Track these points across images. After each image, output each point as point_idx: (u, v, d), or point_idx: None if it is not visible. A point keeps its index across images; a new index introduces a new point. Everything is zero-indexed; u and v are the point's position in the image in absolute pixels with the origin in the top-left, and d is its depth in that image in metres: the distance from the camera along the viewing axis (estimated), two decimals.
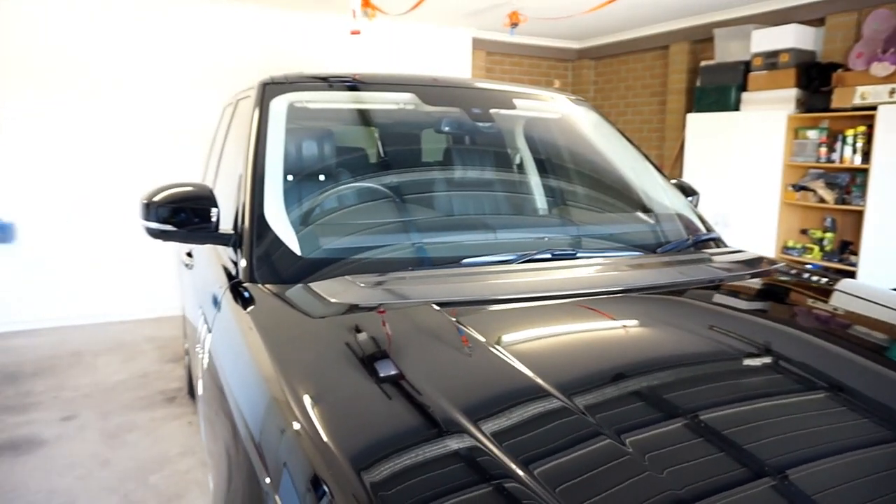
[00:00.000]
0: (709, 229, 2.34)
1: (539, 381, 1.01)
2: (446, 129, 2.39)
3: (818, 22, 4.85)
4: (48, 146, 5.10)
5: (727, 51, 5.33)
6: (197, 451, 3.17)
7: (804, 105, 4.68)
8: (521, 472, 0.80)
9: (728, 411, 1.00)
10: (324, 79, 2.26)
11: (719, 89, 5.28)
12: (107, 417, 3.56)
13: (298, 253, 1.65)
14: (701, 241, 2.16)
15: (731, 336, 1.31)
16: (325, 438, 0.87)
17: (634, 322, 1.38)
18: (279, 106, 2.05)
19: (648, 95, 6.60)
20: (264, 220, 1.71)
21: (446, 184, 2.23)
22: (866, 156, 4.19)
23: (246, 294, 1.51)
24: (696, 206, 2.67)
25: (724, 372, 1.16)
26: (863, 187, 4.21)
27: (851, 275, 4.30)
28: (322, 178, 2.11)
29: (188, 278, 2.73)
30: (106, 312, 5.39)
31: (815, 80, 4.63)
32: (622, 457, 0.84)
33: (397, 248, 1.73)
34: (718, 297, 1.61)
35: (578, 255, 1.82)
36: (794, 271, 1.88)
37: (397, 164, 2.26)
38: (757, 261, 1.96)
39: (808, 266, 4.24)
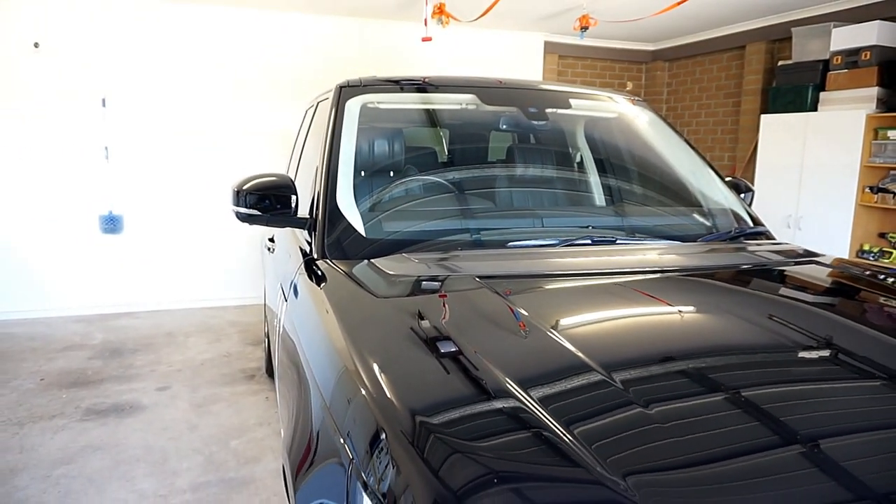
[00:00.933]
0: (756, 223, 2.38)
1: (572, 349, 1.15)
2: (504, 127, 2.57)
3: None
4: (152, 149, 5.65)
5: (805, 50, 5.19)
6: (272, 422, 3.48)
7: (885, 104, 4.51)
8: (556, 427, 0.90)
9: (743, 372, 1.13)
10: (394, 82, 2.49)
11: (796, 89, 5.16)
12: (195, 390, 3.94)
13: (364, 234, 1.87)
14: (745, 233, 2.21)
15: (753, 313, 1.41)
16: (387, 395, 1.00)
17: (662, 297, 1.51)
18: (353, 106, 2.30)
19: (723, 97, 6.49)
20: (336, 205, 1.94)
21: (501, 177, 2.40)
22: None
23: (318, 269, 1.74)
24: (749, 203, 2.70)
25: (743, 345, 1.27)
26: None
27: None
28: (388, 170, 2.33)
29: (269, 261, 3.04)
30: (196, 298, 5.89)
31: None
32: (649, 423, 0.94)
33: (449, 233, 1.92)
34: (747, 281, 1.71)
35: (618, 241, 1.95)
36: (837, 265, 1.92)
37: (457, 160, 2.45)
38: (796, 253, 2.01)
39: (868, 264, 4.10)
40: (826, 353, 1.25)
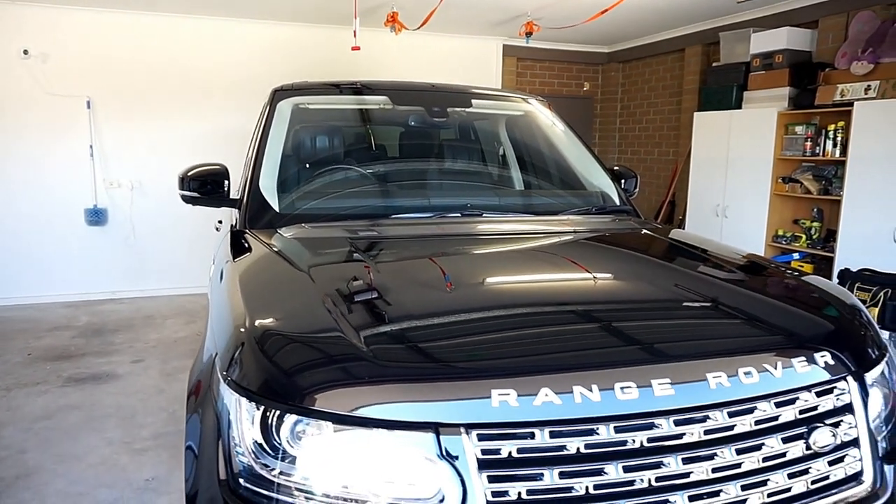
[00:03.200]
0: (623, 202, 2.82)
1: (381, 279, 1.64)
2: (412, 123, 3.03)
3: (814, 24, 5.11)
4: (133, 147, 6.12)
5: (732, 53, 5.65)
6: None
7: (794, 102, 4.96)
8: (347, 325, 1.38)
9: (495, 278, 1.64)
10: (322, 85, 2.97)
11: (723, 89, 5.61)
12: (167, 362, 4.40)
13: (278, 210, 2.34)
14: (606, 210, 2.66)
15: (552, 254, 1.96)
16: (247, 313, 1.46)
17: (478, 248, 2.02)
18: (284, 106, 2.76)
19: (668, 96, 6.94)
20: (258, 186, 2.40)
21: (401, 165, 2.87)
22: (844, 149, 4.46)
23: (236, 236, 2.21)
24: (635, 186, 3.15)
25: (512, 268, 1.81)
26: (842, 179, 4.48)
27: (830, 261, 4.56)
28: (306, 160, 2.79)
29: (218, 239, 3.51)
30: (176, 286, 6.36)
31: (805, 79, 4.92)
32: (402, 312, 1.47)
33: (347, 208, 2.39)
34: (566, 235, 2.20)
35: (483, 215, 2.41)
36: (658, 230, 2.38)
37: (366, 152, 2.93)
38: (631, 224, 2.45)
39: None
40: (572, 273, 1.75)
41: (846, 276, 3.90)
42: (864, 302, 3.69)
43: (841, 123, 4.53)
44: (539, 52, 7.50)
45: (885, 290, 3.57)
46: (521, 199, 2.71)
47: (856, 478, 1.41)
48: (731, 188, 5.50)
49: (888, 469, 1.47)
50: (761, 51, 5.21)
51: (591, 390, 1.22)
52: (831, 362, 1.44)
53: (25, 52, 5.70)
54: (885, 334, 3.58)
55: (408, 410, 1.18)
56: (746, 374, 1.33)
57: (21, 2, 5.60)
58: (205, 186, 2.43)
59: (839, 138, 4.56)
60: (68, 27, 5.81)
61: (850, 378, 1.47)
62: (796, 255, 5.03)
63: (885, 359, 1.65)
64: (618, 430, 1.22)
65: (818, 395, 1.41)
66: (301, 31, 6.45)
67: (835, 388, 1.45)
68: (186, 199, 2.46)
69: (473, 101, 3.09)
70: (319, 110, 3.01)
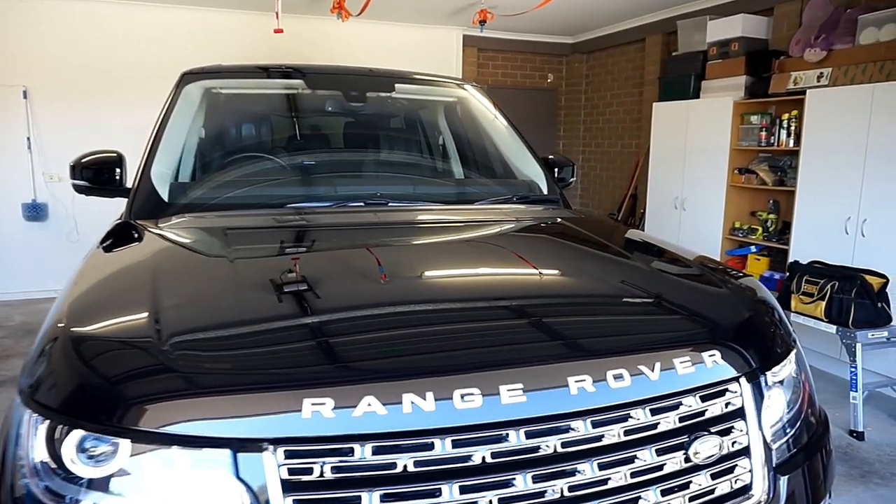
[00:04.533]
0: (552, 192, 2.65)
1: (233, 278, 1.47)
2: (330, 108, 2.84)
3: (770, 12, 5.00)
4: (73, 139, 5.86)
5: (690, 42, 5.52)
6: None
7: (750, 91, 4.84)
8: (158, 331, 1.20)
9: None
10: (235, 69, 2.78)
11: (681, 79, 5.49)
12: None
13: (166, 200, 2.15)
14: (530, 199, 2.50)
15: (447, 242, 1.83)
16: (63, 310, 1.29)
17: (366, 239, 1.86)
18: (191, 90, 2.57)
19: (630, 87, 6.82)
20: (149, 175, 2.20)
21: (309, 152, 2.68)
22: (798, 138, 4.34)
23: (115, 228, 2.01)
24: (572, 175, 2.99)
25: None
26: (797, 169, 4.36)
27: (785, 254, 4.45)
28: (207, 146, 2.60)
29: None
30: None
31: (762, 68, 4.80)
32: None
33: (238, 197, 2.20)
34: (468, 227, 2.04)
35: (389, 204, 2.23)
36: (576, 219, 2.22)
37: (274, 138, 2.75)
38: (547, 215, 2.28)
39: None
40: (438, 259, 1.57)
41: (795, 269, 3.78)
42: (810, 296, 3.58)
43: (795, 112, 4.42)
44: (500, 42, 7.34)
45: (831, 283, 3.45)
46: (435, 189, 2.53)
47: (744, 492, 1.26)
48: (689, 180, 5.38)
49: (783, 480, 1.32)
50: (718, 39, 5.09)
51: (424, 399, 1.06)
52: (721, 362, 1.29)
53: None
54: (831, 328, 3.46)
55: (205, 426, 1.01)
56: (617, 377, 1.17)
57: None
58: (100, 175, 2.24)
59: (793, 128, 4.44)
60: (1, 14, 5.54)
61: (743, 380, 1.32)
62: (753, 248, 4.92)
63: (791, 357, 1.51)
64: (456, 444, 1.06)
65: (704, 399, 1.26)
66: (250, 20, 6.22)
67: (726, 390, 1.30)
68: (79, 190, 2.27)
69: (397, 86, 2.90)
70: (230, 95, 2.81)
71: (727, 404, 1.28)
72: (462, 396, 1.07)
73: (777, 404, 1.42)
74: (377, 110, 2.89)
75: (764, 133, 4.67)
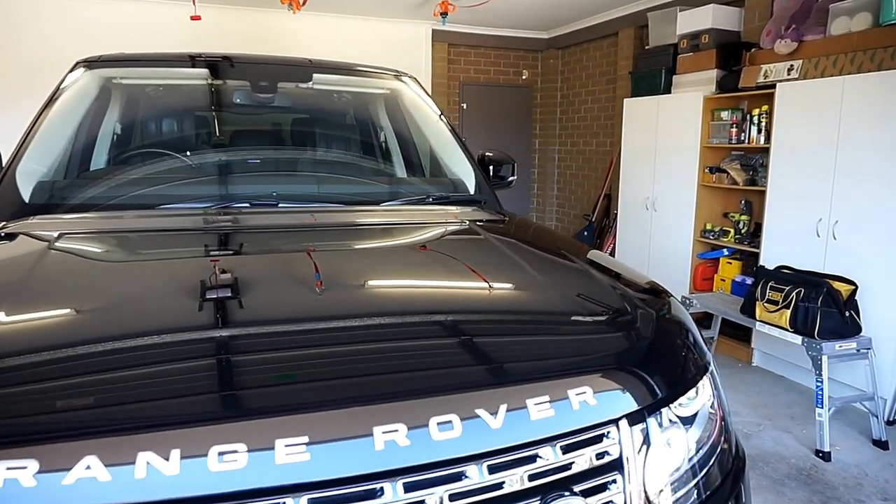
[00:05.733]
0: (481, 192, 2.40)
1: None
2: (238, 100, 2.58)
3: (741, 2, 4.75)
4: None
5: (660, 34, 5.28)
6: None
7: (721, 86, 4.60)
8: None
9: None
10: (137, 57, 2.52)
11: (651, 73, 5.24)
12: None
13: (26, 199, 1.89)
14: (449, 200, 2.24)
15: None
16: None
17: (223, 247, 1.58)
18: (83, 80, 2.31)
19: (605, 83, 6.57)
20: (14, 171, 1.95)
21: (199, 147, 2.43)
22: (769, 135, 4.10)
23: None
24: (512, 173, 2.74)
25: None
26: (767, 167, 4.11)
27: (757, 257, 4.21)
28: (89, 142, 2.34)
29: None
30: None
31: (733, 61, 4.55)
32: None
33: (103, 197, 1.95)
34: (358, 233, 1.78)
35: (280, 205, 1.98)
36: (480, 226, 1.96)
37: (168, 133, 2.49)
38: (456, 218, 2.02)
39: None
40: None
41: (761, 275, 3.53)
42: (775, 304, 3.33)
43: (765, 108, 4.17)
44: (472, 37, 7.09)
45: (797, 290, 3.21)
46: (339, 188, 2.27)
47: None
48: (660, 180, 5.13)
49: None
50: (688, 31, 4.84)
51: (167, 459, 0.80)
52: (592, 401, 1.04)
53: None
54: (797, 339, 3.21)
55: None
56: (442, 426, 0.92)
57: None
58: None
59: (763, 124, 4.19)
60: None
61: (624, 423, 1.06)
62: (725, 251, 4.67)
63: (703, 383, 1.26)
64: None
65: (567, 449, 1.01)
66: (233, 14, 5.95)
67: (602, 435, 1.04)
68: None
69: (316, 76, 2.65)
70: (124, 86, 2.55)
71: (600, 455, 1.03)
72: (220, 455, 0.82)
73: (678, 446, 1.16)
74: (288, 102, 2.63)
75: (735, 130, 4.42)
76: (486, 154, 2.75)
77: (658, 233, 5.18)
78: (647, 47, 5.52)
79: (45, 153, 2.09)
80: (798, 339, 3.21)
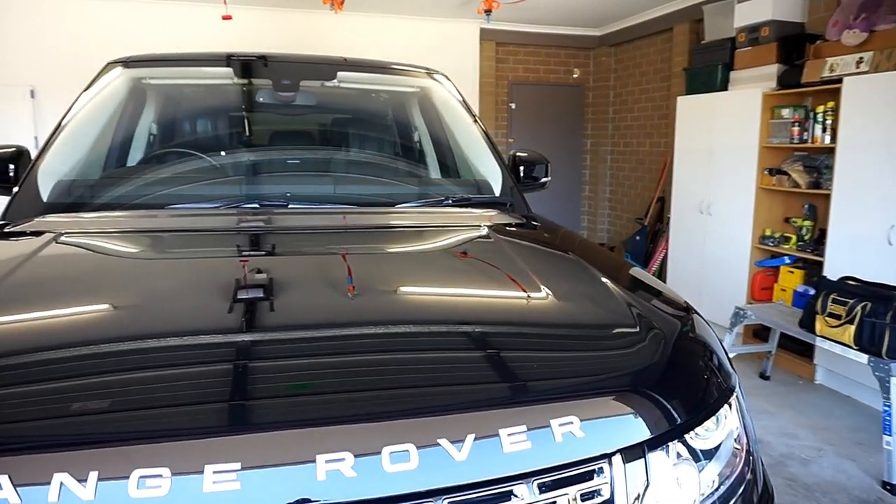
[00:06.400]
0: (507, 193, 2.28)
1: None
2: (261, 99, 2.55)
3: None
4: None
5: (717, 28, 4.99)
6: None
7: (782, 81, 4.28)
8: None
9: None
10: (168, 57, 2.54)
11: (707, 69, 4.96)
12: None
13: (44, 199, 1.90)
14: (471, 202, 2.13)
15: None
16: None
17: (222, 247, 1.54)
18: (111, 80, 2.34)
19: (659, 81, 6.29)
20: (35, 171, 1.97)
21: (217, 147, 2.40)
22: (834, 134, 3.77)
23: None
24: (545, 174, 2.60)
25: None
26: (833, 169, 3.79)
27: (821, 266, 3.88)
28: (115, 142, 2.35)
29: None
30: None
31: (795, 54, 4.23)
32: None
33: (116, 198, 1.94)
34: (360, 236, 1.70)
35: (290, 206, 1.91)
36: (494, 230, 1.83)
37: (190, 133, 2.48)
38: (474, 221, 1.90)
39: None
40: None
41: (822, 286, 3.23)
42: (837, 318, 3.04)
43: (831, 104, 3.85)
44: (521, 35, 6.94)
45: (862, 303, 2.91)
46: (356, 188, 2.19)
47: None
48: (715, 182, 4.84)
49: None
50: (746, 24, 4.54)
51: (83, 482, 0.73)
52: (580, 434, 0.90)
53: None
54: (862, 357, 2.92)
55: None
56: (396, 456, 0.81)
57: None
58: (4, 173, 2.03)
59: (829, 122, 3.87)
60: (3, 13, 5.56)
61: (617, 459, 0.92)
62: (786, 259, 4.35)
63: (724, 412, 1.10)
64: None
65: (546, 488, 0.88)
66: (276, 15, 6.04)
67: (591, 473, 0.91)
68: None
69: (340, 74, 2.59)
70: (157, 85, 2.57)
71: (587, 496, 0.89)
72: (141, 479, 0.74)
73: (689, 485, 1.01)
74: (311, 101, 2.58)
75: (797, 128, 4.10)
76: (517, 154, 2.62)
77: (713, 239, 4.89)
78: (702, 42, 5.23)
79: (71, 152, 2.11)
80: (863, 357, 2.92)
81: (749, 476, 1.14)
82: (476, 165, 2.45)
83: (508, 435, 0.86)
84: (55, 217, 1.76)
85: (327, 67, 2.57)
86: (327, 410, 0.87)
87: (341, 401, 0.89)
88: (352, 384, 0.93)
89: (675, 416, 1.00)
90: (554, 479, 0.88)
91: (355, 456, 0.79)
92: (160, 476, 0.74)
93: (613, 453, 0.92)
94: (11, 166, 2.03)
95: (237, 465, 0.76)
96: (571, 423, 0.90)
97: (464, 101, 2.65)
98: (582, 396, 0.95)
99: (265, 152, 2.35)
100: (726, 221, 4.73)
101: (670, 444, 0.99)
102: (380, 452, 0.80)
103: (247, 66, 2.50)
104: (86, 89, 2.33)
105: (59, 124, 2.17)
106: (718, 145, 4.78)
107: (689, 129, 5.12)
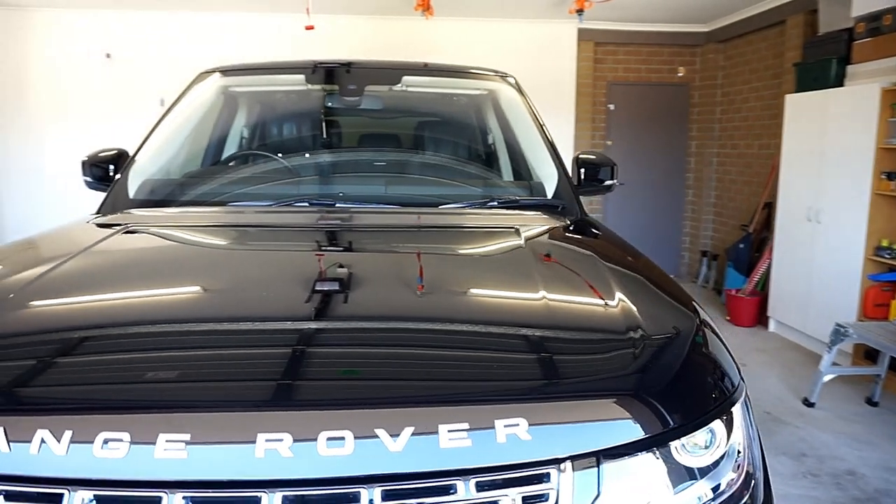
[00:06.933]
0: (561, 196, 2.24)
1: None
2: (330, 104, 2.70)
3: None
4: None
5: (832, 19, 4.56)
6: None
7: None
8: None
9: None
10: (251, 67, 2.78)
11: (820, 64, 4.55)
12: None
13: (130, 195, 2.15)
14: (519, 204, 2.13)
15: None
16: None
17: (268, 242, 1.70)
18: (201, 88, 2.60)
19: (770, 77, 5.84)
20: (128, 170, 2.23)
21: (286, 150, 2.56)
22: None
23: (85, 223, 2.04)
24: (611, 176, 2.53)
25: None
26: None
27: None
28: (197, 145, 2.58)
29: None
30: None
31: None
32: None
33: (188, 195, 2.14)
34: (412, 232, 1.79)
35: (336, 205, 2.02)
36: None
37: (264, 137, 2.68)
38: (520, 220, 1.90)
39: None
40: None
41: None
42: None
43: None
44: (621, 34, 6.72)
45: None
46: (405, 189, 2.25)
47: None
48: (825, 187, 4.43)
49: None
50: (866, 12, 4.12)
51: (58, 440, 0.84)
52: (526, 437, 0.90)
53: (108, 55, 6.19)
54: None
55: None
56: (332, 441, 0.86)
57: (104, 7, 6.08)
58: (104, 172, 2.32)
59: None
60: (140, 29, 6.22)
61: (567, 466, 0.90)
62: None
63: (711, 428, 1.04)
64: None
65: (483, 487, 0.88)
66: (368, 23, 6.31)
67: (535, 477, 0.90)
68: (89, 185, 2.37)
69: (406, 79, 2.68)
70: (240, 93, 2.80)
71: (529, 500, 0.88)
72: (105, 442, 0.84)
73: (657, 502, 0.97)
74: (375, 104, 2.68)
75: None
76: (580, 156, 2.57)
77: (822, 249, 4.47)
78: (816, 35, 4.80)
79: (159, 154, 2.36)
80: None
81: (746, 502, 1.06)
82: (533, 167, 2.44)
83: (448, 431, 0.87)
84: (136, 211, 1.98)
85: (392, 72, 2.67)
86: (271, 395, 0.93)
87: (286, 388, 0.95)
88: (305, 373, 0.99)
89: (645, 426, 0.96)
90: (494, 479, 0.88)
91: (294, 438, 0.85)
92: (119, 439, 0.84)
93: (563, 459, 0.90)
94: (111, 167, 2.30)
95: (187, 437, 0.84)
96: (517, 425, 0.89)
97: (529, 102, 2.64)
98: (533, 400, 0.94)
99: (337, 154, 2.49)
100: (836, 230, 4.32)
101: (638, 454, 0.95)
102: (316, 437, 0.85)
103: (323, 72, 2.66)
104: (179, 97, 2.56)
105: (152, 129, 2.42)
106: (830, 147, 4.37)
107: (797, 130, 4.73)
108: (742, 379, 1.18)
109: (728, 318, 5.48)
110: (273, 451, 0.84)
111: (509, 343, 1.12)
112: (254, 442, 0.84)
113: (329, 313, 1.16)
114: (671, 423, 0.99)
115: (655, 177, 7.15)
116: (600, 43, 6.77)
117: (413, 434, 0.87)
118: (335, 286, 1.26)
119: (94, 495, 0.83)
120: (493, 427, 0.89)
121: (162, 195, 2.15)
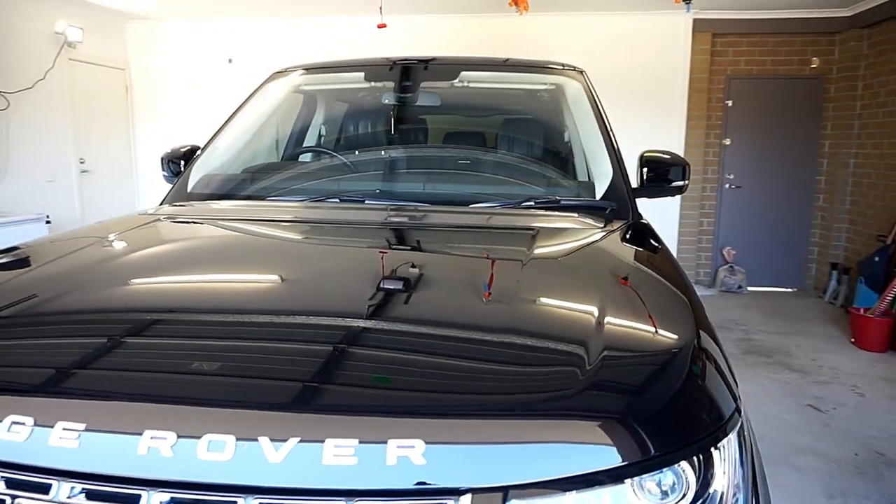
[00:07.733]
0: (613, 197, 2.09)
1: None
2: (386, 101, 2.70)
3: None
4: None
5: None
6: None
7: None
8: None
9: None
10: (319, 66, 2.86)
11: None
12: None
13: (188, 189, 2.30)
14: (560, 205, 2.01)
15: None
16: None
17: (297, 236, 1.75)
18: (271, 87, 2.72)
19: None
20: (193, 164, 2.39)
21: (351, 146, 2.59)
22: None
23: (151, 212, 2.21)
24: (682, 177, 2.32)
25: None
26: None
27: None
28: (262, 142, 2.69)
29: None
30: None
31: None
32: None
33: (238, 190, 2.23)
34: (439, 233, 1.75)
35: (366, 202, 2.01)
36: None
37: (327, 134, 2.73)
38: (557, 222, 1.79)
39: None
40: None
41: None
42: None
43: None
44: (744, 23, 6.16)
45: None
46: (447, 187, 2.20)
47: None
48: None
49: None
50: None
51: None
52: (419, 461, 0.81)
53: (230, 60, 6.69)
54: None
55: None
56: (213, 444, 0.82)
57: (226, 15, 6.56)
58: (181, 167, 2.51)
59: None
60: (260, 35, 6.64)
61: (466, 500, 0.80)
62: None
63: (675, 469, 0.88)
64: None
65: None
66: (469, 22, 6.30)
67: None
68: (167, 180, 2.57)
69: (463, 74, 2.62)
70: (307, 92, 2.89)
71: None
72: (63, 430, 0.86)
73: None
74: (432, 101, 2.64)
75: None
76: (646, 154, 2.37)
77: None
78: None
79: (223, 150, 2.49)
80: None
81: None
82: (587, 166, 2.29)
83: (334, 446, 0.81)
84: (189, 203, 2.09)
85: (449, 68, 2.61)
86: (161, 389, 0.92)
87: (177, 382, 0.93)
88: (205, 369, 0.96)
89: (572, 459, 0.83)
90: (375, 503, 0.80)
91: (177, 437, 0.82)
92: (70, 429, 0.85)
93: (464, 492, 0.80)
94: (183, 162, 2.46)
95: (82, 427, 0.85)
96: (412, 446, 0.81)
97: (595, 98, 2.47)
98: (435, 416, 0.85)
99: (396, 151, 2.48)
100: None
101: (560, 494, 0.83)
102: (198, 438, 0.82)
103: (375, 70, 2.68)
104: (250, 96, 2.68)
105: (221, 126, 2.55)
106: None
107: None
108: (739, 412, 0.99)
109: (852, 339, 4.83)
110: (155, 449, 0.82)
111: (442, 352, 1.03)
112: (140, 435, 0.83)
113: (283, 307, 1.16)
114: (620, 458, 0.84)
115: (779, 179, 6.48)
116: (719, 34, 6.24)
117: (298, 444, 0.81)
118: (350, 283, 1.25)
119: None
120: (384, 445, 0.81)
121: (214, 189, 2.25)
